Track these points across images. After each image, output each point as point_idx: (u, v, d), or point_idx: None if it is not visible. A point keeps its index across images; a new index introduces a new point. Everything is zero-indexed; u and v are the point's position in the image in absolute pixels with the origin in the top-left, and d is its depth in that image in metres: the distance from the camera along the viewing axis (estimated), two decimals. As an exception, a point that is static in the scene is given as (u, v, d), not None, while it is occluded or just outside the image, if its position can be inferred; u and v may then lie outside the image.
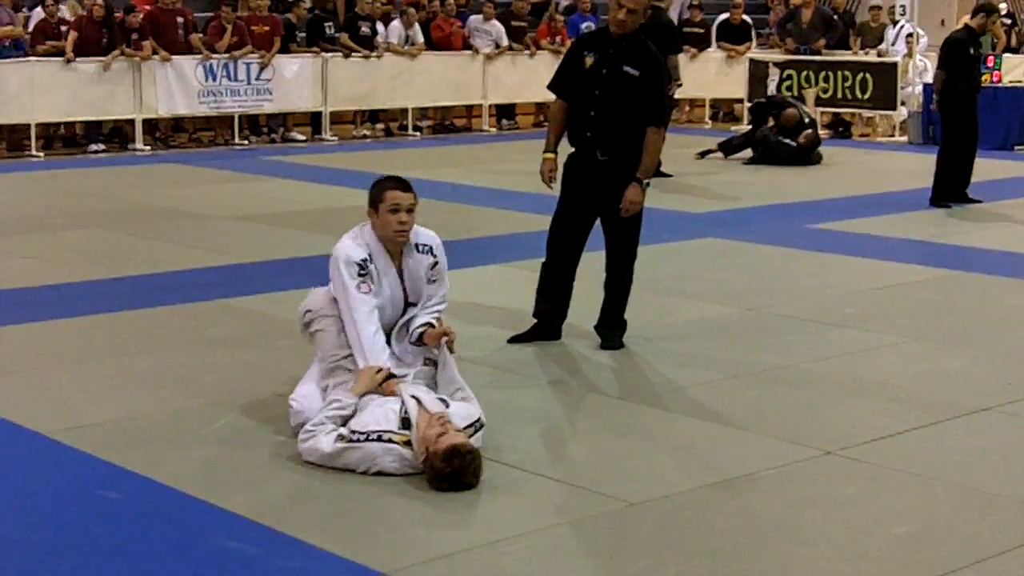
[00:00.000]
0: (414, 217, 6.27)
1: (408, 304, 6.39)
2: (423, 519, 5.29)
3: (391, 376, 6.05)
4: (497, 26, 21.21)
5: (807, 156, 17.02)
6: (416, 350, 6.33)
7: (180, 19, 18.67)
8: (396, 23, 20.36)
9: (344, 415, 5.85)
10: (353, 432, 5.71)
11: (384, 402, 5.87)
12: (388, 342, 6.29)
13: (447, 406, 5.87)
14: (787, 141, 17.03)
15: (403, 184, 6.29)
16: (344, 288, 6.15)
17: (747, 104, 20.86)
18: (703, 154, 17.51)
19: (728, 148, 17.55)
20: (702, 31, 22.29)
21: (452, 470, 5.49)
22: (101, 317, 8.55)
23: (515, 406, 6.58)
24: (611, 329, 7.91)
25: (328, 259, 6.34)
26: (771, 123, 17.33)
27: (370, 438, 5.67)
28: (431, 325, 6.32)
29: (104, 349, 7.81)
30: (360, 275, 6.15)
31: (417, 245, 6.34)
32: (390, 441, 5.66)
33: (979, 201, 13.73)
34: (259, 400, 6.70)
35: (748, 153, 17.35)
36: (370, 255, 6.22)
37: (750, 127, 17.97)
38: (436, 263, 6.38)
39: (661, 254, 10.46)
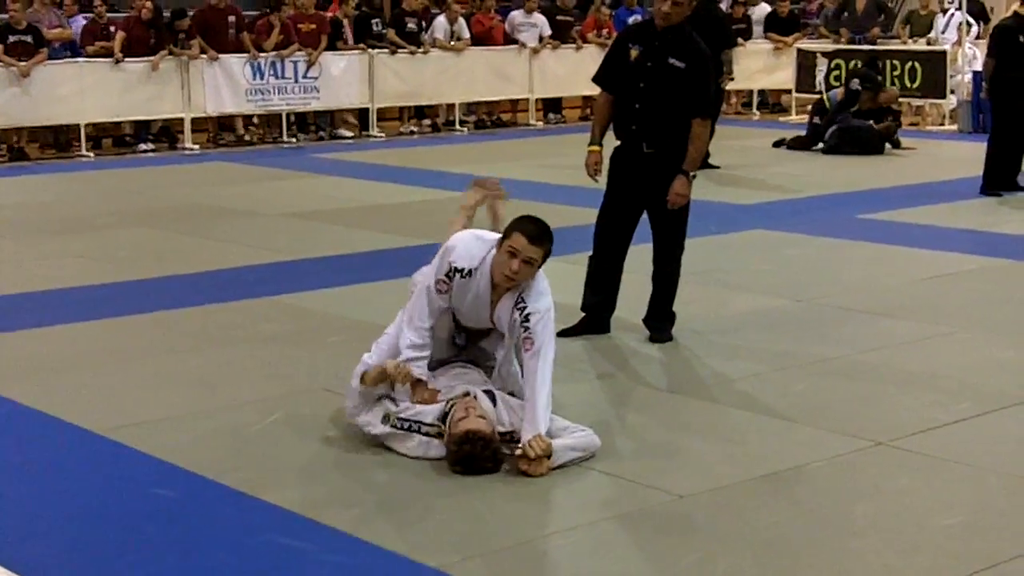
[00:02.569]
0: (531, 271, 5.82)
1: (493, 330, 6.16)
2: (473, 514, 5.30)
3: (419, 382, 5.96)
4: (540, 18, 21.22)
5: (882, 143, 17.02)
6: (474, 371, 6.17)
7: (231, 18, 18.76)
8: (441, 18, 20.39)
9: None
10: (399, 420, 5.83)
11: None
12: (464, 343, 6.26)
13: (494, 403, 5.89)
14: (869, 123, 16.97)
15: (537, 236, 5.80)
16: (427, 278, 6.03)
17: (795, 94, 20.82)
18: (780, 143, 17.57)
19: (800, 145, 17.50)
20: (744, 25, 22.20)
21: (463, 455, 5.57)
22: (152, 315, 8.61)
23: (564, 400, 6.55)
24: (660, 322, 7.91)
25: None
26: (855, 84, 17.23)
27: (410, 428, 5.80)
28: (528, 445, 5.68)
29: (156, 347, 7.86)
30: (447, 276, 5.89)
31: (520, 298, 5.86)
32: (426, 434, 5.77)
33: (1030, 189, 13.64)
34: (309, 396, 6.74)
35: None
36: (473, 271, 5.89)
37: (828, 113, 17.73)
38: (528, 328, 5.78)
39: (710, 246, 10.44)
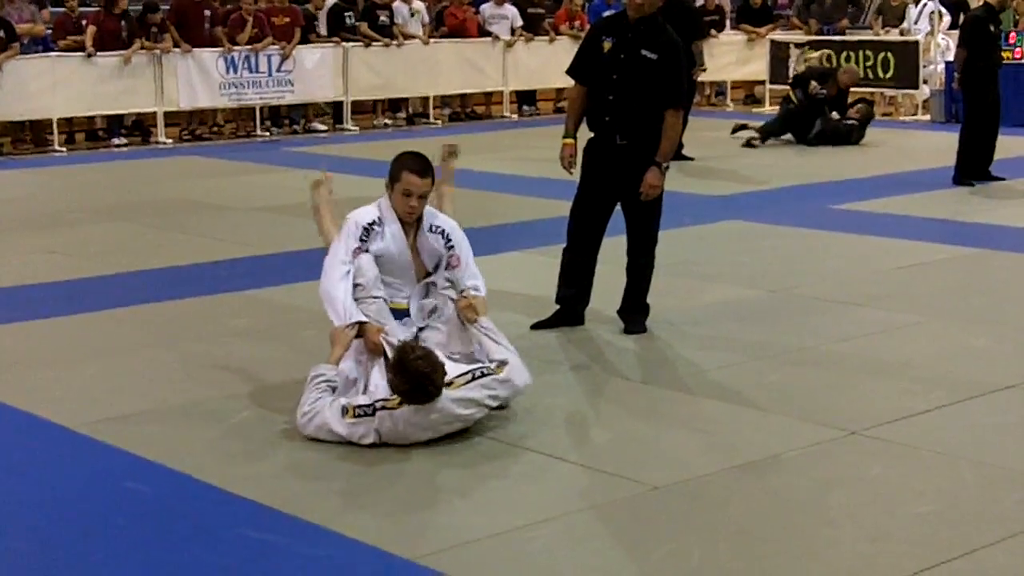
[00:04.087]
0: (425, 202, 6.47)
1: (427, 273, 6.59)
2: (447, 505, 5.31)
3: (361, 324, 6.22)
4: (511, 9, 21.19)
5: (862, 131, 17.05)
6: (441, 328, 6.47)
7: (207, 12, 18.68)
8: (397, 3, 20.25)
9: (332, 386, 6.02)
10: (358, 408, 5.85)
11: (378, 374, 6.01)
12: (407, 312, 6.50)
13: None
14: (851, 121, 16.93)
15: (421, 169, 6.40)
16: (337, 244, 6.44)
17: (768, 85, 20.84)
18: (739, 128, 17.46)
19: (767, 134, 17.37)
20: (717, 17, 22.22)
21: (396, 370, 5.72)
22: (125, 310, 8.59)
23: (538, 392, 6.57)
24: (634, 313, 7.91)
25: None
26: (814, 88, 17.07)
27: (367, 412, 5.83)
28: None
29: (128, 342, 7.84)
30: (361, 239, 6.40)
31: (431, 225, 6.54)
32: (384, 408, 5.80)
33: (1002, 179, 13.68)
34: (283, 390, 6.71)
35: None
36: (379, 219, 6.45)
37: (791, 105, 17.57)
38: (452, 246, 6.53)
39: (684, 237, 10.45)
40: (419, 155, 6.50)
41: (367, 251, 6.38)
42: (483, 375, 6.01)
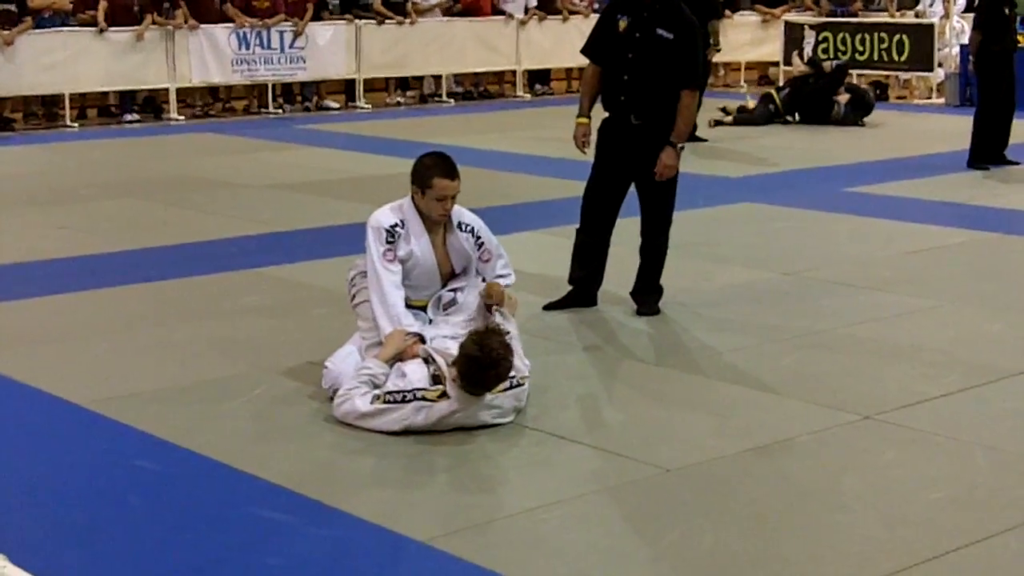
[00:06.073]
0: (456, 200, 6.38)
1: (453, 275, 6.52)
2: (460, 487, 5.29)
3: (420, 339, 6.12)
4: (526, -12, 21.15)
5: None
6: (453, 321, 6.37)
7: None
8: None
9: (375, 382, 5.90)
10: (388, 394, 5.78)
11: (416, 365, 5.92)
12: (424, 309, 6.38)
13: None
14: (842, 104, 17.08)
15: (451, 171, 6.31)
16: (370, 254, 6.29)
17: (783, 67, 20.75)
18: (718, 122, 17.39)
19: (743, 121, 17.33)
20: (732, -4, 22.17)
21: (476, 338, 5.74)
22: (136, 287, 8.57)
23: (551, 373, 6.56)
24: (647, 295, 7.88)
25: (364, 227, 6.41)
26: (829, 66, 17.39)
27: (405, 399, 5.74)
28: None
29: (140, 319, 7.82)
30: (388, 242, 6.28)
31: (460, 223, 6.45)
32: (423, 399, 5.73)
33: (1017, 163, 13.60)
34: (294, 368, 6.71)
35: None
36: (402, 221, 6.33)
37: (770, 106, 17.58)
38: (482, 243, 6.48)
39: (697, 219, 10.41)
40: (443, 156, 6.43)
41: (396, 256, 6.29)
42: (519, 385, 5.95)
